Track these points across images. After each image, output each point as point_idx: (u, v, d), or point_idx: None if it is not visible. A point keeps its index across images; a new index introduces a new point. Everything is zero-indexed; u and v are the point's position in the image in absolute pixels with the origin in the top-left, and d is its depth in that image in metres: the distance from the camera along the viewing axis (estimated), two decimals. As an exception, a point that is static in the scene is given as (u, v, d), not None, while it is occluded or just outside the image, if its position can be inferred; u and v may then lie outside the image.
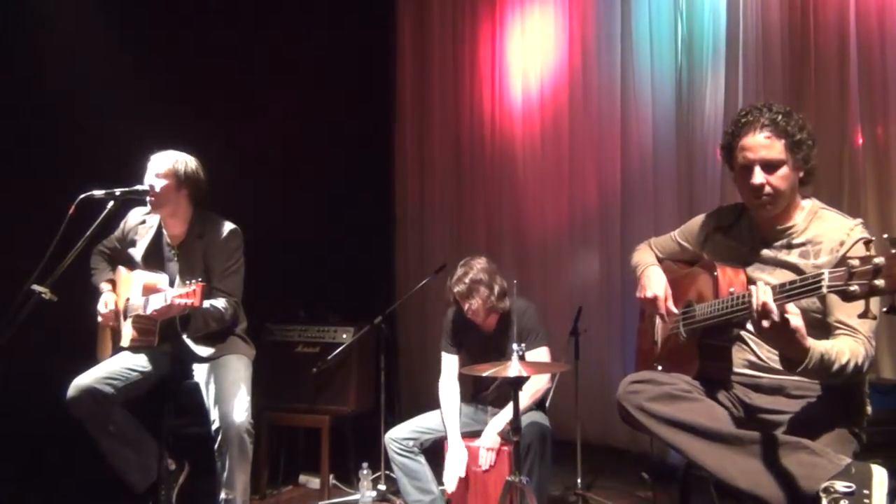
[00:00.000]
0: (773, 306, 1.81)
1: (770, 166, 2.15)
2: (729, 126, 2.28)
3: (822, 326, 2.07)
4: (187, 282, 2.78)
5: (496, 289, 3.29)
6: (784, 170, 2.15)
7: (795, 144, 2.15)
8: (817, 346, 1.91)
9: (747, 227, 2.32)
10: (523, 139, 5.25)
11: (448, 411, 3.39)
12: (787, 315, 1.82)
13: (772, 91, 3.87)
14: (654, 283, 2.44)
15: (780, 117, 2.15)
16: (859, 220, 2.16)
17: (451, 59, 5.63)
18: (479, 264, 3.33)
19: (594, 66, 4.85)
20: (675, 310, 2.37)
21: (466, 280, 3.26)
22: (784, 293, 1.83)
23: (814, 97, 3.76)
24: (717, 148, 2.35)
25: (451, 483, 3.25)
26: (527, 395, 3.25)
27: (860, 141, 3.66)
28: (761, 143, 2.15)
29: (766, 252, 2.23)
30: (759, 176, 2.15)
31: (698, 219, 2.51)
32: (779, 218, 2.22)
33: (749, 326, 2.21)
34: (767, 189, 2.15)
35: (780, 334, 1.85)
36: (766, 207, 2.19)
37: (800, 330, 1.85)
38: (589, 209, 4.89)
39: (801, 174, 2.19)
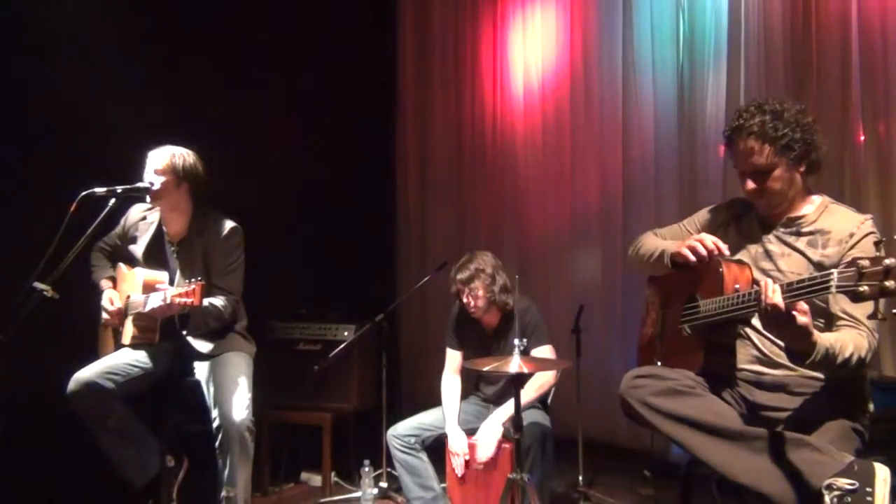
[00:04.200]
0: (781, 305, 1.82)
1: (760, 173, 2.17)
2: (726, 126, 2.28)
3: (826, 315, 2.08)
4: (187, 281, 2.78)
5: (499, 281, 3.34)
6: (776, 172, 2.17)
7: (785, 146, 2.15)
8: (823, 339, 1.91)
9: (757, 216, 2.33)
10: (525, 137, 5.24)
11: (448, 402, 3.42)
12: (794, 312, 1.82)
13: (773, 89, 3.86)
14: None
15: (768, 119, 2.15)
16: (870, 216, 2.17)
17: (453, 56, 5.63)
18: (485, 256, 3.41)
19: (595, 63, 4.85)
20: (723, 246, 2.21)
21: (471, 267, 3.34)
22: (793, 292, 1.83)
23: (815, 95, 3.75)
24: (719, 145, 2.36)
25: (458, 465, 3.26)
26: (531, 389, 3.25)
27: (862, 138, 3.66)
28: (748, 152, 2.17)
29: (775, 239, 2.25)
30: (751, 184, 2.19)
31: (711, 208, 2.51)
32: (789, 208, 2.25)
33: (754, 322, 2.21)
34: (762, 193, 2.19)
35: (787, 329, 1.86)
36: (768, 205, 2.23)
37: (807, 326, 1.85)
38: (590, 207, 4.89)
39: (803, 168, 2.20)
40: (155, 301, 2.86)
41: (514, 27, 5.34)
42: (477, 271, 3.32)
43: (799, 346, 1.91)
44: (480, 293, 3.31)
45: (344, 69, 5.32)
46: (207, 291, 2.91)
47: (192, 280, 2.76)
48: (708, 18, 4.30)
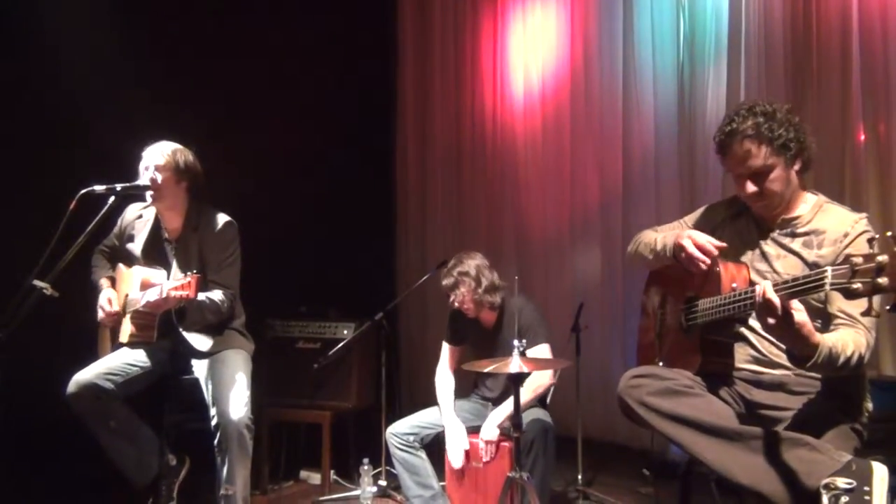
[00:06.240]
0: (776, 302, 1.81)
1: (759, 174, 2.17)
2: (717, 132, 2.25)
3: (822, 315, 2.07)
4: (184, 274, 2.78)
5: (483, 282, 3.33)
6: (774, 173, 2.16)
7: (782, 146, 2.15)
8: (825, 341, 1.91)
9: (753, 216, 2.33)
10: (525, 136, 5.24)
11: (442, 393, 3.45)
12: (791, 311, 1.82)
13: (774, 88, 3.86)
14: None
15: (762, 121, 2.14)
16: (864, 214, 2.17)
17: (453, 55, 5.63)
18: (471, 258, 3.40)
19: (596, 62, 4.85)
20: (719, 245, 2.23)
21: (454, 273, 3.35)
22: (787, 289, 1.83)
23: (816, 94, 3.76)
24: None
25: (456, 457, 3.26)
26: (528, 390, 3.26)
27: (862, 138, 3.66)
28: (745, 155, 2.16)
29: (770, 240, 2.25)
30: (750, 186, 2.18)
31: (710, 206, 2.51)
32: (784, 209, 2.24)
33: (752, 322, 2.22)
34: (762, 195, 2.19)
35: (786, 330, 1.85)
36: (767, 207, 2.23)
37: (806, 325, 1.85)
38: (590, 206, 4.89)
39: (798, 166, 2.20)
40: (152, 295, 2.86)
41: (514, 27, 5.34)
42: (460, 275, 3.32)
43: (800, 348, 1.90)
44: (466, 297, 3.32)
45: (344, 68, 5.32)
46: (203, 285, 2.91)
47: (188, 273, 2.75)
48: (708, 18, 4.30)
